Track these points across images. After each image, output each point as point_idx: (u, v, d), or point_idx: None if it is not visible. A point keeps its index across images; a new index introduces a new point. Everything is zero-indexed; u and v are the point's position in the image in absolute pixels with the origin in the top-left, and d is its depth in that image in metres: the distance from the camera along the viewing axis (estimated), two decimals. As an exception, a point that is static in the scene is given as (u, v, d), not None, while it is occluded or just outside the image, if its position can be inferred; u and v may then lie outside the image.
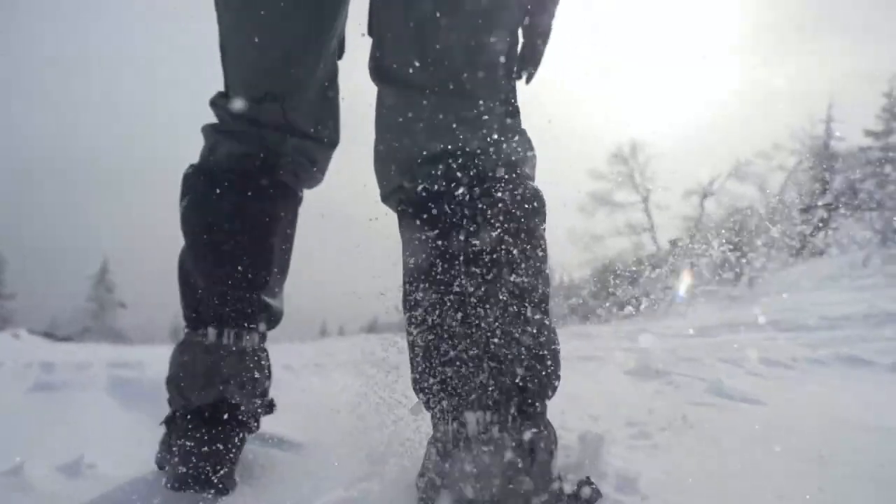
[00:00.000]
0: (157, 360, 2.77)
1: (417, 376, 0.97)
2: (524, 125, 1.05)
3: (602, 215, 25.91)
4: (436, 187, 0.94)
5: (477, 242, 0.89)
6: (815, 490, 1.13)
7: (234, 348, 1.21)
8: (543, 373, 0.92)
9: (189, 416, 1.17)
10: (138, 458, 1.37)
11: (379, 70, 1.03)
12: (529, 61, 1.07)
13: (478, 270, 0.89)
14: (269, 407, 1.39)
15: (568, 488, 0.93)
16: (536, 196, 0.98)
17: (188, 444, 1.14)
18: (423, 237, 0.92)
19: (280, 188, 1.27)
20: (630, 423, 1.70)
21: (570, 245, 26.89)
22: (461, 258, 0.89)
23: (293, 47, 1.16)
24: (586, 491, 0.96)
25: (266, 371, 1.30)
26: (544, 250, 0.97)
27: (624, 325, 7.87)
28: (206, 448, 1.13)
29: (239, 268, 1.20)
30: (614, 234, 25.52)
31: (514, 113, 1.02)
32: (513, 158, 0.96)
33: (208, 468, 1.12)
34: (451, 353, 0.89)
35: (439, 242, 0.91)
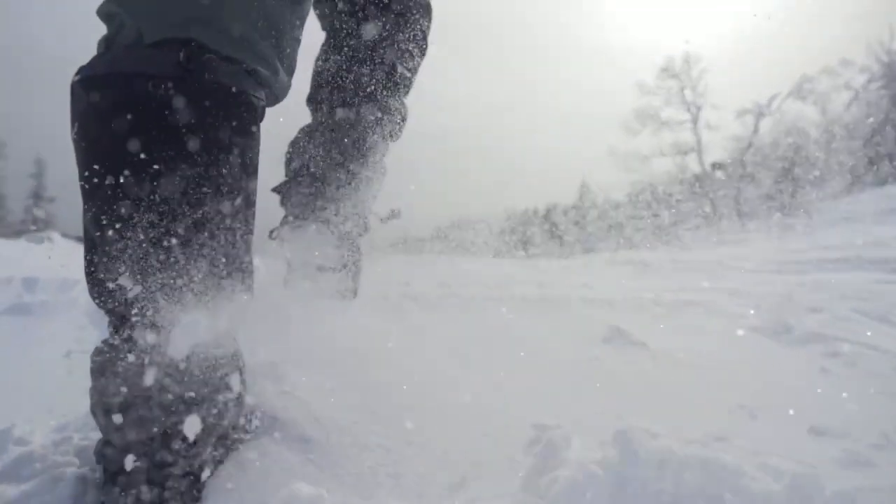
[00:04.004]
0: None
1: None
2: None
3: (646, 134, 24.56)
4: None
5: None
6: None
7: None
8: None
9: (128, 454, 0.83)
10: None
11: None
12: None
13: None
14: (249, 425, 0.99)
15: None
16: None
17: (131, 497, 0.82)
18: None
19: (222, 95, 0.81)
20: (816, 429, 1.10)
21: (609, 164, 25.80)
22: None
23: None
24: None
25: (236, 379, 0.92)
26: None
27: (682, 255, 7.21)
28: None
29: (167, 231, 0.79)
30: (658, 155, 24.24)
31: None
32: None
33: None
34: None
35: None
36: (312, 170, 1.32)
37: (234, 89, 0.83)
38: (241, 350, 1.01)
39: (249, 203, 0.89)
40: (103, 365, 0.84)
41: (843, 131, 22.56)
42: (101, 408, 0.84)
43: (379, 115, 1.35)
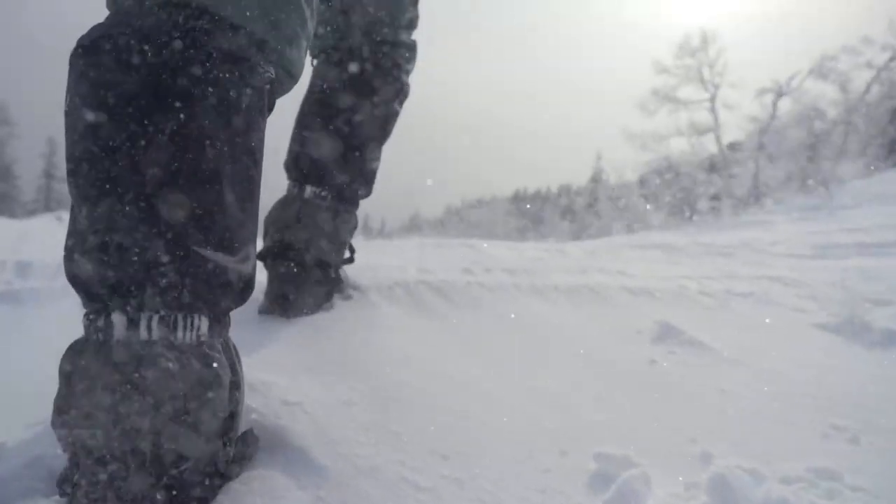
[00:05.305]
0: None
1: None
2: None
3: (663, 113, 24.13)
4: None
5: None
6: None
7: (160, 349, 0.70)
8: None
9: (95, 476, 0.68)
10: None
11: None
12: None
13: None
14: (245, 449, 0.82)
15: None
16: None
17: None
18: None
19: (224, 63, 0.73)
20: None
21: (624, 144, 25.56)
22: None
23: None
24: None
25: (225, 388, 0.75)
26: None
27: (704, 237, 6.96)
28: None
29: (161, 205, 0.70)
30: (674, 135, 23.84)
31: None
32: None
33: None
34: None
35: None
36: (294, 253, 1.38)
37: (238, 58, 0.74)
38: (238, 351, 0.83)
39: (253, 181, 0.78)
40: (73, 359, 0.71)
41: (864, 111, 22.01)
42: (64, 414, 0.70)
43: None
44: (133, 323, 0.69)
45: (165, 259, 0.69)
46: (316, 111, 1.42)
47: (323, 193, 1.40)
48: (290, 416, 0.97)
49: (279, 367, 1.18)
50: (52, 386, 0.98)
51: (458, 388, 1.11)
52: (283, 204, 1.41)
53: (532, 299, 1.78)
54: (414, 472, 0.83)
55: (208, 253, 0.72)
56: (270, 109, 0.83)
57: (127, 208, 0.69)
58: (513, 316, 1.61)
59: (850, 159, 21.84)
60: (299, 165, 1.42)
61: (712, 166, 23.74)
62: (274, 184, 1.36)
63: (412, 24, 1.48)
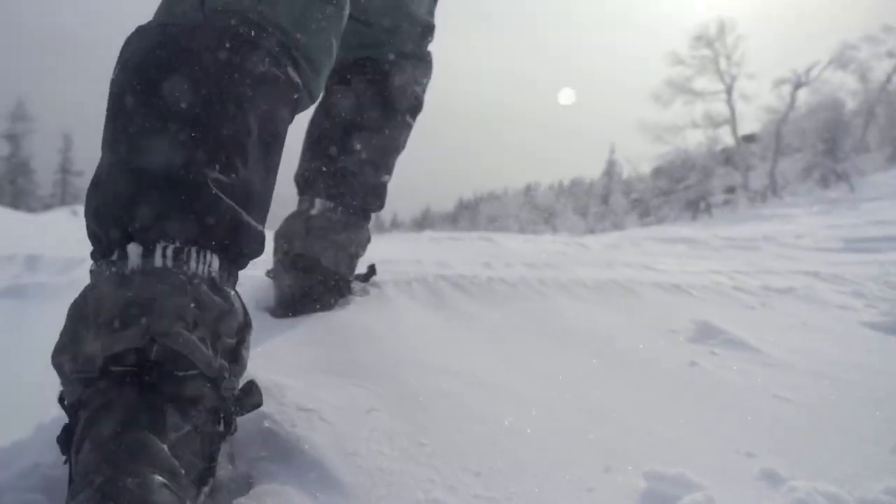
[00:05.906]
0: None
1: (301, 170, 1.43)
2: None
3: (677, 105, 23.84)
4: None
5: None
6: None
7: (173, 272, 0.72)
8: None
9: (93, 391, 0.66)
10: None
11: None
12: None
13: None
14: (246, 396, 0.78)
15: None
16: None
17: (99, 434, 0.62)
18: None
19: (263, 70, 0.81)
20: None
21: (638, 137, 25.31)
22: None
23: None
24: None
25: (236, 318, 0.77)
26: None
27: (724, 230, 6.82)
28: (127, 437, 0.61)
29: (188, 148, 0.74)
30: (689, 126, 23.53)
31: None
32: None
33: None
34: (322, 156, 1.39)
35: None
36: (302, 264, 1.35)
37: (279, 70, 0.83)
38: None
39: (274, 162, 0.85)
40: (79, 299, 0.72)
41: (885, 101, 21.60)
42: (67, 349, 0.70)
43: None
44: (148, 251, 0.71)
45: (185, 194, 0.72)
46: (327, 125, 1.40)
47: (333, 207, 1.39)
48: (306, 424, 0.89)
49: (293, 369, 1.10)
50: (51, 387, 0.90)
51: (488, 393, 1.02)
52: (293, 217, 1.40)
53: (558, 295, 1.68)
54: (445, 490, 0.75)
55: (226, 199, 0.75)
56: (290, 121, 0.89)
57: (153, 146, 0.73)
58: (539, 313, 1.52)
59: (870, 151, 21.46)
60: (310, 179, 1.40)
61: (728, 158, 23.42)
62: (284, 198, 1.35)
63: (428, 36, 1.44)
